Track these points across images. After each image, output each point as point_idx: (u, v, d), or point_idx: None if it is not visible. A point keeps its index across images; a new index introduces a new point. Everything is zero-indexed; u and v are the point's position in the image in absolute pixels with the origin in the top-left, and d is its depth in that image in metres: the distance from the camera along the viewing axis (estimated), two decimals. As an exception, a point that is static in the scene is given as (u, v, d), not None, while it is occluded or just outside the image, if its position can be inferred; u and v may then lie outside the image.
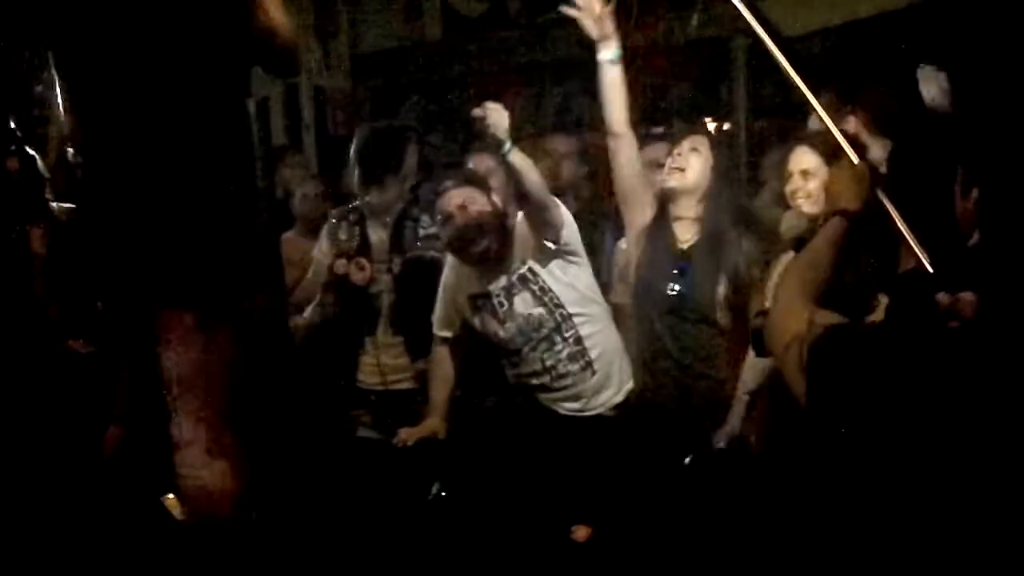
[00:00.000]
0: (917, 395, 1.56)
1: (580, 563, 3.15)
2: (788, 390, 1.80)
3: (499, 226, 3.38)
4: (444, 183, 3.51)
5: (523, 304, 3.34)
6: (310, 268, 3.99)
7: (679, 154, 3.21)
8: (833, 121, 2.22)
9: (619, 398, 3.40)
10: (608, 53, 3.19)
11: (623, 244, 3.59)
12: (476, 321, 3.43)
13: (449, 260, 3.53)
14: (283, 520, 3.25)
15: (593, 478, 3.23)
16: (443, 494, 3.32)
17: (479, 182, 3.51)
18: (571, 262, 3.38)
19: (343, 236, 3.81)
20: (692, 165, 3.19)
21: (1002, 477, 1.50)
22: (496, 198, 3.45)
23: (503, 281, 3.37)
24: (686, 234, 3.22)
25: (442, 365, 3.57)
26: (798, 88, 2.26)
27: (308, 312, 3.85)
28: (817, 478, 1.78)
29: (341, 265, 3.79)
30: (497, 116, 3.14)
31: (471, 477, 3.34)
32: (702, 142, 3.23)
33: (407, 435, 3.48)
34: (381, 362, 3.79)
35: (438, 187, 3.52)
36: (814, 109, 2.26)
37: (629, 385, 3.39)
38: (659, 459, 3.14)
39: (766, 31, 2.34)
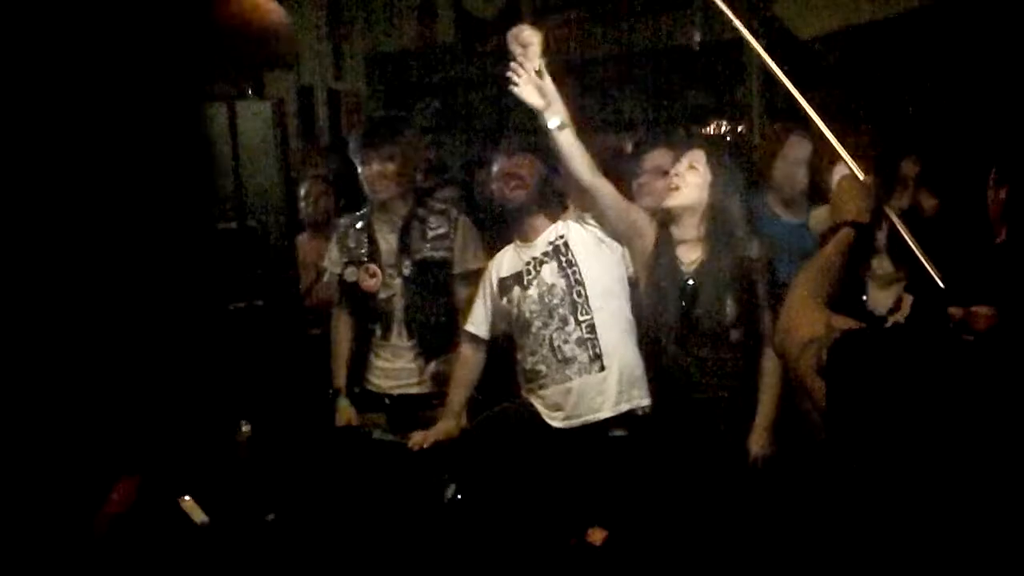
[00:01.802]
0: (938, 399, 1.56)
1: (595, 566, 3.15)
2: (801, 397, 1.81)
3: (538, 193, 3.46)
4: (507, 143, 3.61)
5: (549, 273, 3.37)
6: (324, 275, 4.01)
7: (676, 174, 3.18)
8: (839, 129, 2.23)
9: (624, 407, 3.33)
10: (554, 120, 3.12)
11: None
12: (503, 301, 3.45)
13: (500, 252, 3.57)
14: (300, 522, 3.27)
15: (609, 483, 3.23)
16: (459, 496, 3.33)
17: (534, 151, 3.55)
18: (603, 244, 3.38)
19: (351, 243, 3.82)
20: (689, 183, 3.15)
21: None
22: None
23: (538, 252, 3.42)
24: (691, 255, 3.18)
25: (466, 366, 3.58)
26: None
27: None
28: (834, 480, 1.78)
29: (351, 273, 3.80)
30: (529, 33, 3.19)
31: (487, 480, 3.35)
32: (699, 158, 3.17)
33: (421, 438, 3.49)
34: (395, 366, 3.80)
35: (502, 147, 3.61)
36: (813, 120, 2.27)
37: (644, 402, 3.33)
38: (673, 470, 3.14)
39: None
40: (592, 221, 3.38)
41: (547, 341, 3.34)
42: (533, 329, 3.36)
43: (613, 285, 3.38)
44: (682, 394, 3.17)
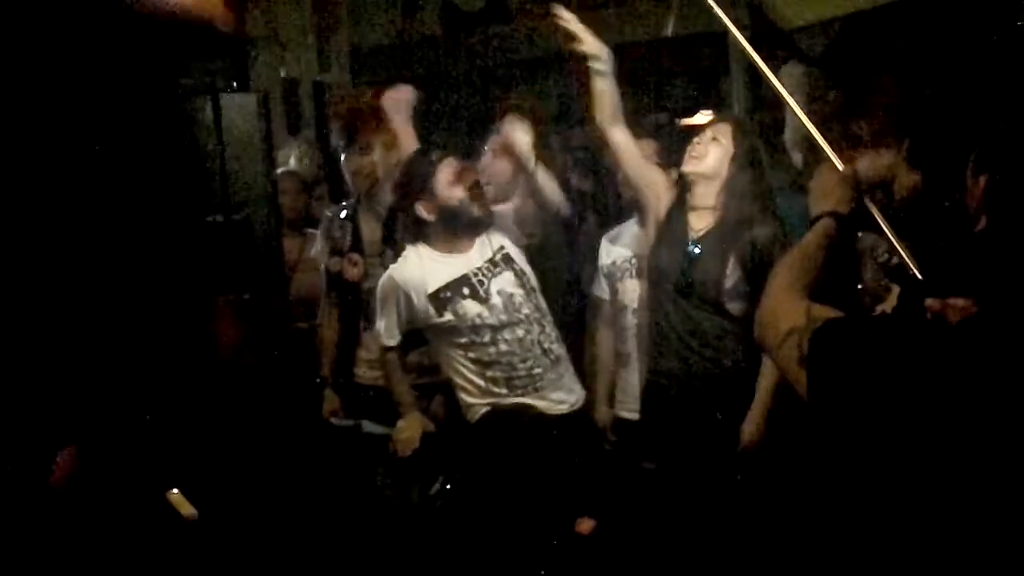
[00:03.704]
0: (918, 388, 1.56)
1: (584, 556, 3.17)
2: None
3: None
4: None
5: (505, 283, 3.33)
6: (306, 266, 4.01)
7: (699, 142, 3.20)
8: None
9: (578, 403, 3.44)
10: (598, 64, 3.20)
11: (606, 240, 3.68)
12: (444, 316, 3.31)
13: (404, 260, 3.40)
14: (284, 514, 3.27)
15: (597, 471, 3.25)
16: (448, 487, 3.33)
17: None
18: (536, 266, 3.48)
19: (336, 233, 3.81)
20: (711, 153, 3.17)
21: (1010, 477, 1.50)
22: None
23: (479, 262, 3.34)
24: (700, 223, 3.20)
25: (396, 367, 3.49)
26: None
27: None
28: (819, 470, 1.79)
29: (335, 262, 3.79)
30: (521, 134, 3.22)
31: (474, 472, 3.35)
32: (724, 132, 3.19)
33: (406, 443, 3.43)
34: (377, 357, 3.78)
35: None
36: (794, 111, 2.27)
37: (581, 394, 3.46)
38: (668, 451, 3.15)
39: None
40: (528, 237, 3.45)
41: (537, 344, 3.32)
42: (517, 335, 3.31)
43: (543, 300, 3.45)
44: (680, 361, 3.17)
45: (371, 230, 3.78)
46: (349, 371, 3.83)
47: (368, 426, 3.70)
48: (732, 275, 3.11)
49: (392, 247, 3.72)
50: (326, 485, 3.51)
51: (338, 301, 3.86)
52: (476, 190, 3.32)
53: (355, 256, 3.76)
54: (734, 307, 3.11)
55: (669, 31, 4.86)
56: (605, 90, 3.21)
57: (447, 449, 3.46)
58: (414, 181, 3.33)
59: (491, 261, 3.35)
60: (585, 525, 3.29)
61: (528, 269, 3.41)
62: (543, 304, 3.39)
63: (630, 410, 3.50)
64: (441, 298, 3.30)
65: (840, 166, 2.10)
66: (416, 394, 3.54)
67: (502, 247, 3.39)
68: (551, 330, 3.36)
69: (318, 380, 3.83)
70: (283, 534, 3.24)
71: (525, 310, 3.32)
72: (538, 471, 3.24)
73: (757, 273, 3.04)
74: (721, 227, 3.15)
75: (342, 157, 3.76)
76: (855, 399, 1.62)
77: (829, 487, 1.72)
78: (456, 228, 3.34)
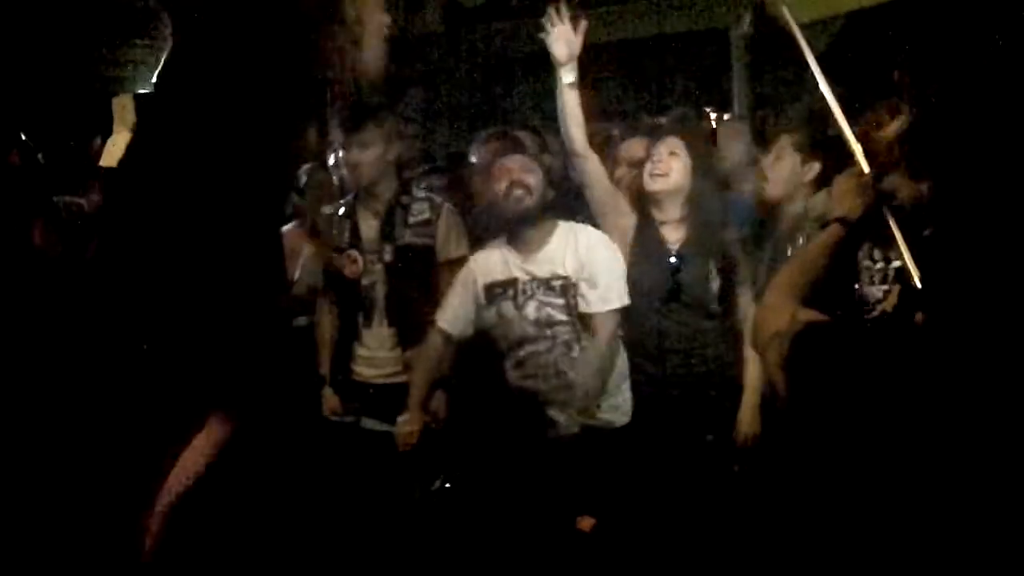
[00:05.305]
0: (894, 392, 1.57)
1: (585, 553, 3.17)
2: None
3: (543, 203, 3.34)
4: (489, 138, 3.47)
5: (552, 306, 3.30)
6: (308, 263, 4.00)
7: (659, 160, 3.26)
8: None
9: (623, 420, 3.36)
10: (569, 76, 3.20)
11: None
12: (491, 312, 3.36)
13: (485, 249, 3.47)
14: (283, 511, 3.27)
15: (601, 470, 3.25)
16: (447, 485, 3.34)
17: (530, 152, 3.51)
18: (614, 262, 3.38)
19: (335, 230, 3.81)
20: (673, 168, 3.25)
21: (988, 477, 1.50)
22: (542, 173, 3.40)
23: (539, 272, 3.32)
24: (674, 235, 3.31)
25: (434, 359, 3.50)
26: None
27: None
28: (801, 472, 1.79)
29: (334, 259, 3.78)
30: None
31: (475, 471, 3.35)
32: (678, 145, 3.28)
33: (408, 437, 3.43)
34: (377, 355, 3.79)
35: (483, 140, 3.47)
36: (832, 113, 2.27)
37: (628, 413, 3.36)
38: (670, 454, 3.17)
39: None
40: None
41: (552, 365, 3.31)
42: (536, 349, 3.31)
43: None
44: (679, 365, 3.26)
45: (369, 227, 3.76)
46: (348, 369, 3.82)
47: (368, 423, 3.70)
48: (715, 278, 3.26)
49: (390, 242, 3.72)
50: (325, 482, 3.51)
51: (336, 298, 3.85)
52: (510, 188, 3.30)
53: (354, 253, 3.75)
54: (716, 308, 3.28)
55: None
56: (577, 107, 3.19)
57: (449, 446, 3.46)
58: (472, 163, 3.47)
59: (547, 281, 3.31)
60: (586, 522, 3.29)
61: (587, 293, 3.29)
62: (590, 328, 3.30)
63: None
64: (493, 292, 3.37)
65: (866, 170, 2.11)
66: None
67: (567, 277, 3.30)
68: (579, 353, 3.29)
69: (316, 379, 3.82)
70: (282, 531, 3.24)
71: (559, 329, 3.29)
72: (538, 465, 3.25)
73: (731, 272, 3.27)
74: (696, 235, 3.27)
75: (340, 152, 3.74)
76: (832, 403, 1.63)
77: (816, 486, 1.73)
78: (501, 223, 3.38)
